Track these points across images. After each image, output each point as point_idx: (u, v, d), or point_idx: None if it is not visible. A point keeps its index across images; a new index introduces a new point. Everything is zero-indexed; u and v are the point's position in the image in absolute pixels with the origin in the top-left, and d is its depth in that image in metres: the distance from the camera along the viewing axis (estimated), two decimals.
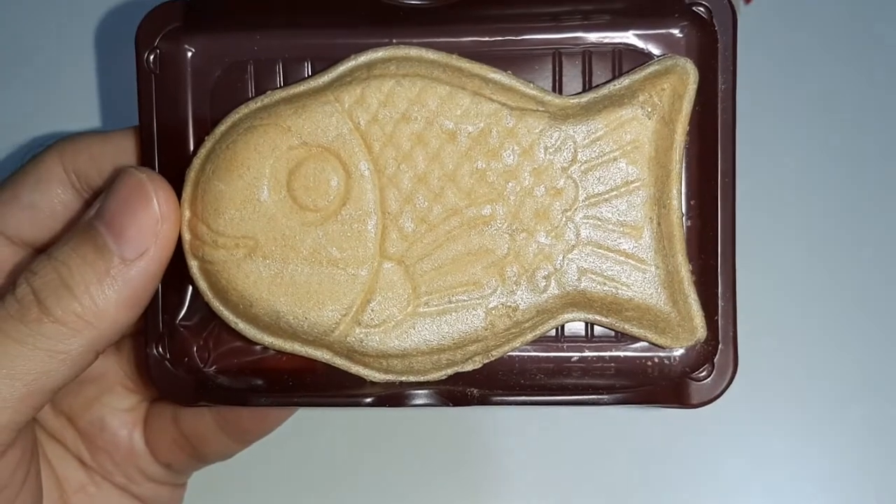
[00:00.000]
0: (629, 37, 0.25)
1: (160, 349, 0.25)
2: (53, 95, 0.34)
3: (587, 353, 0.26)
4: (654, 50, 0.25)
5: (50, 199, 0.26)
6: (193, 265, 0.25)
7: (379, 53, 0.25)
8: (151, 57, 0.25)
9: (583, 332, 0.26)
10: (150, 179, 0.23)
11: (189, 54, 0.26)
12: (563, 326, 0.26)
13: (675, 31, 0.25)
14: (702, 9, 0.24)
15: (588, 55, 0.25)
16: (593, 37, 0.25)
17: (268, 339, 0.25)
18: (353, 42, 0.25)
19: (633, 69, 0.25)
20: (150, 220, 0.22)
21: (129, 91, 0.25)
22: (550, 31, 0.25)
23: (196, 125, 0.26)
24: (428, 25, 0.25)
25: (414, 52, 0.25)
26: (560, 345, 0.26)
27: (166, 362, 0.25)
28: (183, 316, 0.26)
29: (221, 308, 0.25)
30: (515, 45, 0.25)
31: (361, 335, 0.25)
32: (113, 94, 0.34)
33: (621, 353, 0.25)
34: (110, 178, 0.24)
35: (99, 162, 0.26)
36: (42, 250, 0.24)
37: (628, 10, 0.25)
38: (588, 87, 0.25)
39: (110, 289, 0.22)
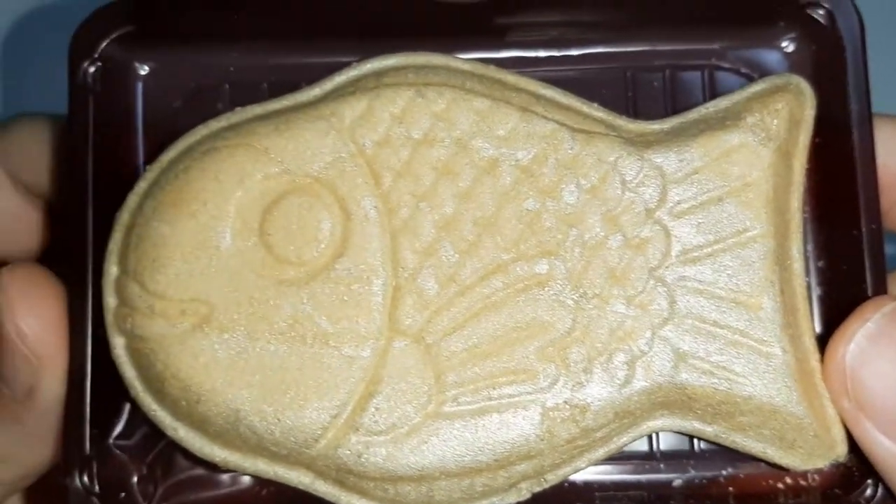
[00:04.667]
0: (719, 51, 0.22)
1: (85, 479, 0.20)
2: None
3: (693, 474, 0.20)
4: (752, 70, 0.22)
5: None
6: (118, 344, 0.20)
7: (390, 60, 0.21)
8: (91, 69, 0.21)
9: (686, 444, 0.21)
10: (7, 305, 0.19)
11: (142, 72, 0.22)
12: (656, 437, 0.21)
13: (783, 44, 0.22)
14: (821, 12, 0.21)
15: (671, 74, 0.22)
16: (675, 49, 0.22)
17: (220, 454, 0.20)
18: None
19: (730, 93, 0.21)
20: (18, 357, 0.19)
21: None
22: (619, 41, 0.22)
23: (149, 162, 0.21)
24: (455, 35, 0.21)
25: (438, 59, 0.21)
26: (655, 463, 0.21)
27: (94, 498, 0.20)
28: (120, 432, 0.21)
29: (155, 406, 0.20)
30: (573, 63, 0.22)
31: (360, 447, 0.19)
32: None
33: (741, 473, 0.21)
34: None
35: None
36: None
37: (721, 16, 0.21)
38: (670, 114, 0.21)
39: (13, 430, 0.20)
